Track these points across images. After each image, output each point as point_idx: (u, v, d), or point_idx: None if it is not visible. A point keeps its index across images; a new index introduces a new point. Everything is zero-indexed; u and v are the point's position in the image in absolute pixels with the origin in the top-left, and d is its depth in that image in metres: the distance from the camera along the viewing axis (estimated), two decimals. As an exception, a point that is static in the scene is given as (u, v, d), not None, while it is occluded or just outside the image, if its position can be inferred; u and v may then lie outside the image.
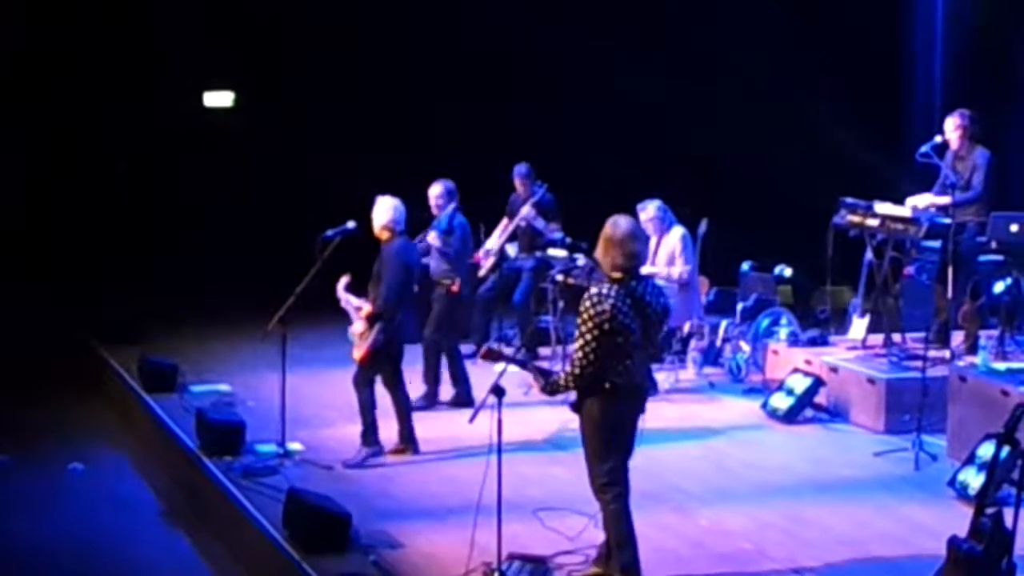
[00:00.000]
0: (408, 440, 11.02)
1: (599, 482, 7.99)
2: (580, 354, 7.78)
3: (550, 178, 14.61)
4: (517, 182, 14.60)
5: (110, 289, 17.01)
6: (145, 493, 11.52)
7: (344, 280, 10.84)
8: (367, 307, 10.69)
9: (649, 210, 13.13)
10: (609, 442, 7.97)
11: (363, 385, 10.83)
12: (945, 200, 12.06)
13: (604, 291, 7.81)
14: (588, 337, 7.76)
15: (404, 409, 11.03)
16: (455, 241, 12.45)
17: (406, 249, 10.89)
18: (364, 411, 10.84)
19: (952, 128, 12.27)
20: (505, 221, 14.67)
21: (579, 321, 7.79)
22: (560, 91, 18.35)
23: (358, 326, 10.71)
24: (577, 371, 7.82)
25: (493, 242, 14.57)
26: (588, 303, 7.78)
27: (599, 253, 8.00)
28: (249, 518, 9.58)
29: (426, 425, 11.47)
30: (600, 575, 8.19)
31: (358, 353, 10.75)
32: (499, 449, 8.05)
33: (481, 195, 14.71)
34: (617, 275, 7.91)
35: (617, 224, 8.03)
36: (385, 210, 10.80)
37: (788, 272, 14.49)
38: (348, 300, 10.85)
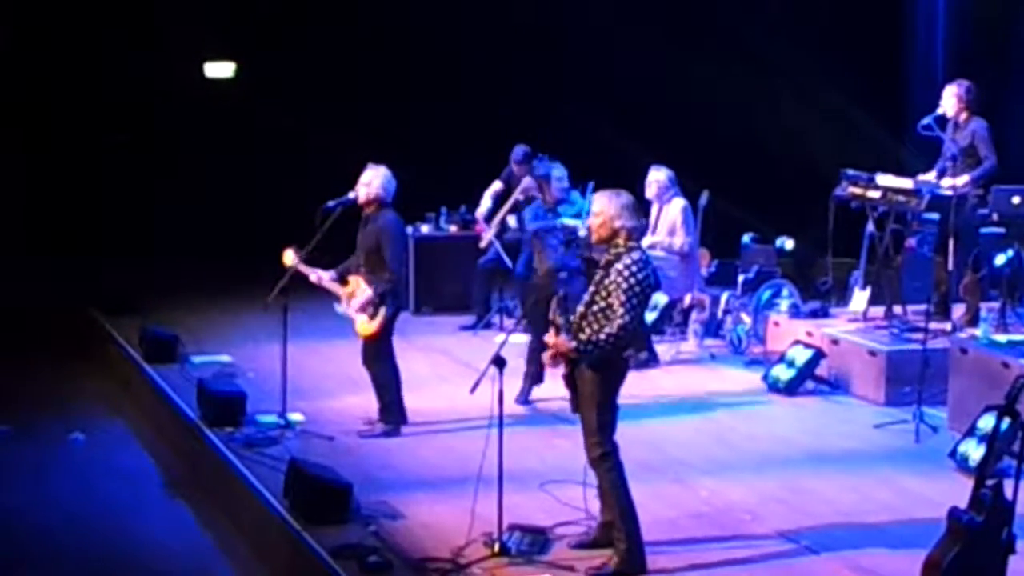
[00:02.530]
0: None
1: (602, 450, 7.97)
2: (627, 318, 7.76)
3: (549, 149, 14.58)
4: (513, 168, 14.51)
5: (111, 260, 17.00)
6: (146, 463, 11.53)
7: (291, 253, 10.68)
8: (362, 282, 10.59)
9: (661, 174, 13.10)
10: (615, 411, 8.00)
11: (377, 362, 10.75)
12: (951, 182, 11.98)
13: (643, 257, 7.91)
14: (635, 301, 7.80)
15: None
16: None
17: (399, 219, 10.75)
18: (382, 390, 10.79)
19: (949, 96, 12.24)
20: (498, 184, 14.63)
21: (621, 285, 7.78)
22: (560, 61, 18.30)
23: (358, 301, 10.59)
24: (622, 335, 7.80)
25: (486, 203, 14.55)
26: (634, 268, 7.81)
27: (608, 224, 7.96)
28: (250, 488, 9.59)
29: (427, 396, 11.49)
30: (600, 544, 8.20)
31: (367, 329, 10.64)
32: (500, 420, 8.05)
33: (479, 163, 14.76)
34: (632, 243, 7.96)
35: (619, 193, 8.10)
36: (380, 179, 10.65)
37: (789, 244, 14.48)
38: (318, 275, 10.73)
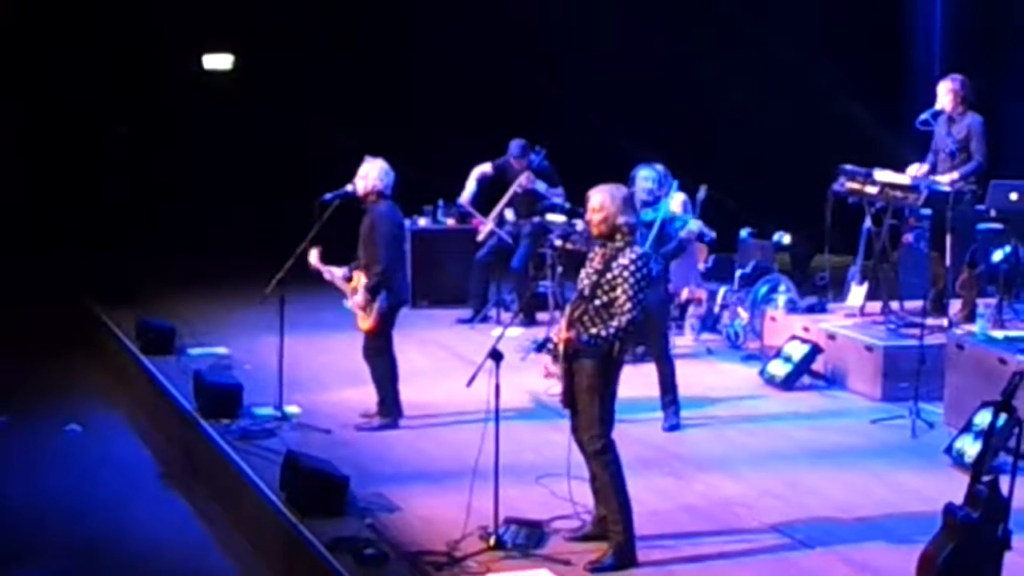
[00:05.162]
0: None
1: (600, 443, 8.01)
2: (635, 312, 7.85)
3: (547, 143, 14.57)
4: (512, 162, 14.49)
5: (108, 251, 16.99)
6: (142, 455, 11.54)
7: (315, 253, 10.72)
8: (363, 278, 10.60)
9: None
10: (614, 403, 8.03)
11: (376, 356, 10.75)
12: (949, 177, 11.98)
13: (645, 252, 8.06)
14: (640, 296, 7.89)
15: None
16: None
17: (394, 210, 10.75)
18: (381, 383, 10.79)
19: (945, 92, 12.22)
20: (487, 167, 14.58)
21: (628, 279, 7.84)
22: (559, 55, 18.29)
23: (359, 297, 10.64)
24: (630, 329, 7.90)
25: (470, 187, 14.54)
26: (640, 263, 7.90)
27: (610, 220, 8.00)
28: (246, 481, 9.59)
29: (424, 389, 11.49)
30: (595, 537, 8.21)
31: (366, 324, 10.66)
32: (496, 413, 8.05)
33: (477, 156, 14.72)
34: (629, 237, 8.00)
35: (619, 188, 8.19)
36: (376, 171, 10.65)
37: (787, 239, 14.47)
38: (331, 272, 10.77)
